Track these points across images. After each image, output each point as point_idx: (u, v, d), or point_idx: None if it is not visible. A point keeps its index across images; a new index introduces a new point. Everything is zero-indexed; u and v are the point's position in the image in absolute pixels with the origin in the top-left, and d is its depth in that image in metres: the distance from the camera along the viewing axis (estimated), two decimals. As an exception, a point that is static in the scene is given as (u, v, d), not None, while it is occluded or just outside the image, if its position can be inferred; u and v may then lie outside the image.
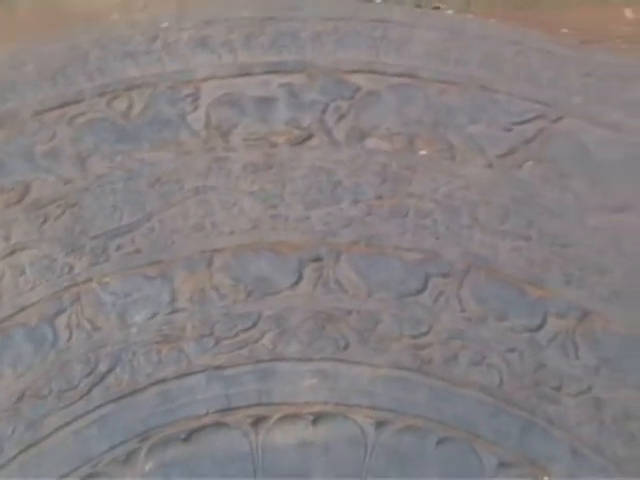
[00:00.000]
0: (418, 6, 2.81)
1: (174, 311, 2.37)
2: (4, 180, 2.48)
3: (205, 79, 2.66)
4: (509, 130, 2.60)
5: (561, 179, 2.55)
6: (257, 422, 2.30)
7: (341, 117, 2.60)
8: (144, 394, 2.31)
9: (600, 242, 2.49)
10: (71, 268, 2.39)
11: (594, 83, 2.69)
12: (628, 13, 2.90)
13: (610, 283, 2.44)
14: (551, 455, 2.32)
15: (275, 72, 2.68)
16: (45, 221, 2.43)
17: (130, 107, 2.57)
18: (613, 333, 2.41)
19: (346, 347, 2.34)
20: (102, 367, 2.30)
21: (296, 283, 2.40)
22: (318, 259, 2.42)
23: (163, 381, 2.32)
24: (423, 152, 2.57)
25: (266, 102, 2.62)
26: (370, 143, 2.58)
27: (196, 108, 2.61)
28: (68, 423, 2.27)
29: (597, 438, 2.32)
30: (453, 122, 2.61)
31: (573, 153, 2.59)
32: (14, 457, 2.25)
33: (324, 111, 2.61)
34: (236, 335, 2.35)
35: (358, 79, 2.67)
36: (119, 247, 2.41)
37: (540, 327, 2.39)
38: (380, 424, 2.30)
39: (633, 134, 2.62)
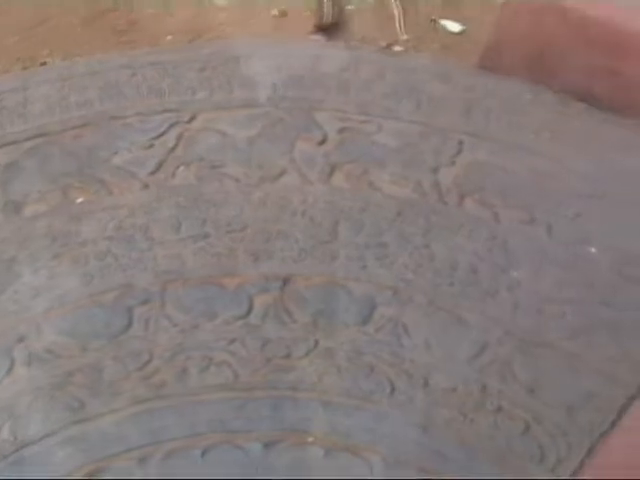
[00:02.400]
0: (25, 68, 2.84)
1: None
2: None
3: None
4: (151, 147, 2.68)
5: (215, 170, 2.66)
6: (29, 512, 2.28)
7: (-10, 198, 2.61)
8: None
9: (271, 212, 2.61)
10: None
11: (210, 74, 2.81)
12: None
13: (294, 244, 2.57)
14: (306, 417, 2.41)
15: None
16: None
17: None
18: (315, 286, 2.53)
19: (82, 406, 2.35)
20: None
21: (10, 369, 2.39)
22: (22, 339, 2.42)
23: None
24: (80, 200, 2.61)
25: None
26: (28, 211, 2.60)
27: None
28: None
29: (341, 383, 2.43)
30: (97, 161, 2.67)
31: (216, 143, 2.71)
32: None
33: (-29, 199, 2.61)
34: (-26, 444, 2.32)
35: (-8, 157, 2.69)
36: None
37: (250, 310, 2.49)
38: (142, 461, 2.33)
39: (264, 105, 2.77)
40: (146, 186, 2.62)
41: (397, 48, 2.99)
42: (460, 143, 2.78)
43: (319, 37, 3.00)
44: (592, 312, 2.50)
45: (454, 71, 2.95)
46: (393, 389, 2.42)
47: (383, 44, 3.00)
